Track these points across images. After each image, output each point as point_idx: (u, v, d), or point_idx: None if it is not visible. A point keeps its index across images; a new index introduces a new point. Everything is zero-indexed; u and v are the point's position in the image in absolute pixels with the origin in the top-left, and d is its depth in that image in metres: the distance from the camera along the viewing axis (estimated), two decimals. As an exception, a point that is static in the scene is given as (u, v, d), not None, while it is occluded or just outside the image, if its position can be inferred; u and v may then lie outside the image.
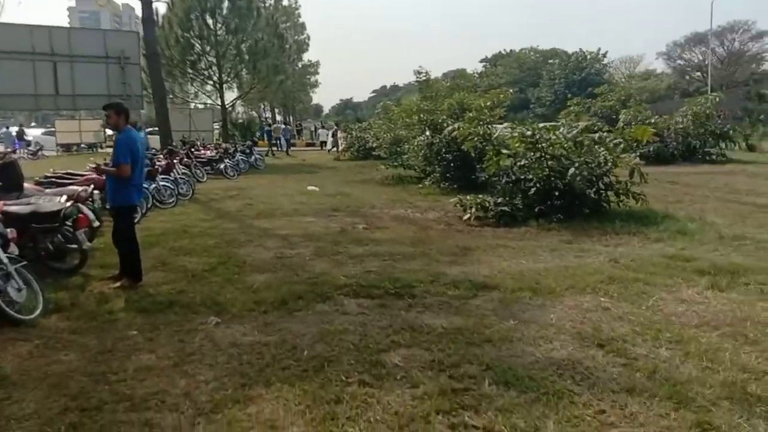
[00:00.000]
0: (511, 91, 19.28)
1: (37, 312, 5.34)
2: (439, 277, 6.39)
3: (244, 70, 33.79)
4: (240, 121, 48.38)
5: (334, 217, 11.19)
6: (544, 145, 10.20)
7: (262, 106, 62.54)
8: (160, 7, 30.17)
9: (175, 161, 15.16)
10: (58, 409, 3.61)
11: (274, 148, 34.86)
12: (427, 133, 16.14)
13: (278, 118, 64.73)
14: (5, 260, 5.39)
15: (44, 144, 35.89)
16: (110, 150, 6.90)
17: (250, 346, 4.56)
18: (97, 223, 8.34)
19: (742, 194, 13.00)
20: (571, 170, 9.58)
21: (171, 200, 12.75)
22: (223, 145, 24.69)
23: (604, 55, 63.93)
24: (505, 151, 10.81)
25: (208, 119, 37.45)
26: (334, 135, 34.52)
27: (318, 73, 68.26)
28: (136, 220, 8.77)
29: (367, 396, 3.67)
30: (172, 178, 13.60)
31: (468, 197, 10.77)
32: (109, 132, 33.79)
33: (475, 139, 12.70)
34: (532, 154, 10.38)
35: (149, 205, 11.38)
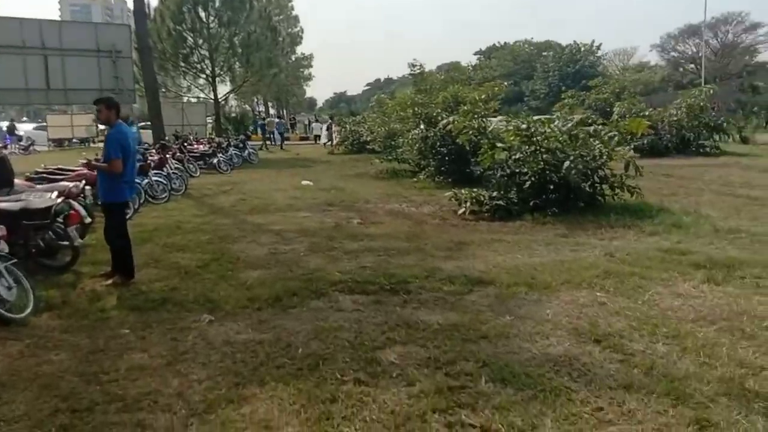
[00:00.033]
0: (505, 83, 19.16)
1: (28, 311, 5.26)
2: (434, 272, 6.35)
3: (237, 63, 33.57)
4: (233, 114, 48.10)
5: (328, 212, 11.13)
6: (539, 138, 10.15)
7: (256, 100, 62.19)
8: (152, 0, 29.97)
9: (167, 156, 15.03)
10: (48, 410, 3.56)
11: (268, 142, 34.71)
12: (422, 126, 16.07)
13: (272, 111, 64.41)
14: (-5, 258, 5.32)
15: (36, 139, 35.68)
16: (102, 145, 6.83)
17: (244, 344, 4.51)
18: (88, 220, 8.25)
19: (737, 187, 13.00)
20: (566, 163, 9.55)
21: (164, 195, 12.65)
22: (216, 140, 24.57)
23: (598, 48, 64.02)
24: (500, 144, 10.76)
25: (201, 113, 37.24)
26: (329, 128, 34.37)
27: (311, 66, 67.89)
28: (128, 216, 8.69)
29: (362, 395, 3.63)
30: (165, 173, 13.49)
31: (463, 191, 10.72)
32: (101, 127, 33.57)
33: (470, 132, 12.65)
34: (527, 147, 10.33)
35: (142, 201, 11.28)
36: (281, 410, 3.48)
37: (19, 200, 6.91)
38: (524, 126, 10.32)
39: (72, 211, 7.23)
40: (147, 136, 24.07)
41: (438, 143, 15.24)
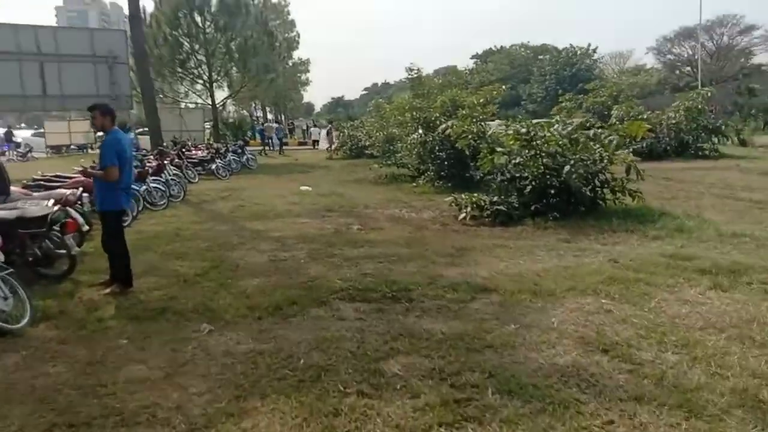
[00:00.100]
0: (504, 87, 19.12)
1: (24, 321, 5.18)
2: (436, 279, 6.26)
3: (234, 68, 33.56)
4: (231, 120, 48.03)
5: (328, 217, 11.05)
6: (539, 142, 10.09)
7: (254, 105, 62.13)
8: (148, 5, 29.92)
9: (165, 162, 14.96)
10: (45, 425, 3.47)
11: (267, 148, 34.64)
12: (420, 131, 16.02)
13: (270, 116, 64.40)
14: (-10, 268, 5.23)
15: (34, 145, 35.61)
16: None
17: (245, 354, 4.42)
18: (86, 227, 8.17)
19: (738, 190, 12.94)
20: (567, 168, 9.49)
21: (162, 202, 12.57)
22: (215, 145, 24.49)
23: (594, 51, 63.94)
24: (499, 148, 10.70)
25: (198, 119, 37.14)
26: (329, 133, 34.20)
27: (309, 71, 67.88)
28: (126, 224, 8.63)
29: (366, 408, 3.54)
30: (163, 180, 13.41)
31: (463, 196, 10.66)
32: (99, 133, 33.52)
33: (469, 136, 12.59)
34: (527, 151, 10.25)
35: (140, 208, 11.19)
36: (283, 424, 3.40)
37: (15, 208, 6.81)
38: (524, 130, 10.25)
39: (69, 219, 7.15)
40: (145, 142, 23.98)
41: (437, 148, 15.21)
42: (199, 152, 21.66)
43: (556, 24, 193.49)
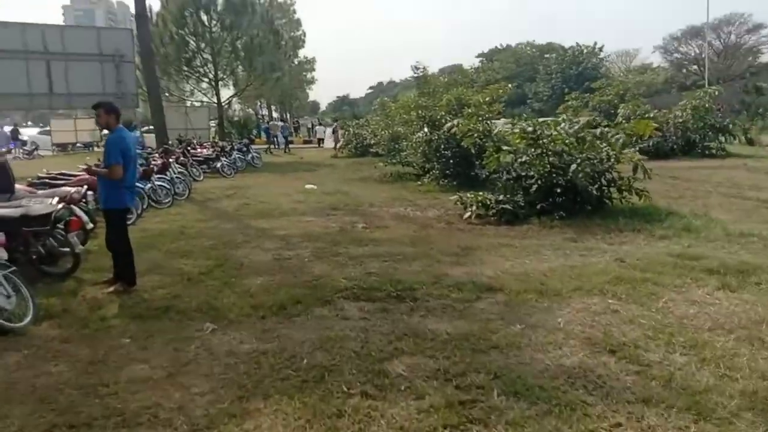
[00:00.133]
0: (510, 85, 19.04)
1: (27, 320, 5.16)
2: (441, 278, 6.21)
3: (239, 67, 33.56)
4: (236, 118, 48.09)
5: (332, 216, 11.01)
6: (545, 140, 10.02)
7: (259, 104, 62.20)
8: (154, 4, 29.98)
9: (171, 160, 14.95)
10: (45, 425, 3.44)
11: (272, 146, 34.64)
12: (426, 129, 15.96)
13: (275, 115, 64.43)
14: (-6, 266, 5.21)
15: (40, 143, 35.70)
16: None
17: (248, 354, 4.38)
18: (90, 225, 8.16)
19: (745, 189, 12.84)
20: (573, 166, 9.42)
21: (167, 200, 12.55)
22: (220, 144, 24.49)
23: (601, 49, 63.77)
24: (505, 147, 10.64)
25: (204, 117, 37.15)
26: (335, 131, 34.07)
27: (314, 70, 67.95)
28: (131, 222, 8.63)
29: (370, 409, 3.49)
30: (168, 178, 13.39)
31: (468, 195, 10.59)
32: (105, 131, 33.60)
33: (475, 135, 12.53)
34: (533, 150, 10.19)
35: (145, 206, 11.19)
36: (286, 426, 3.36)
37: (19, 206, 6.79)
38: (530, 129, 10.19)
39: (73, 217, 7.14)
40: (150, 140, 24.01)
41: (442, 146, 15.14)
42: (205, 150, 21.65)
43: (562, 23, 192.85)
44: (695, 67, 59.60)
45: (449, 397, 3.57)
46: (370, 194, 14.25)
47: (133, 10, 21.56)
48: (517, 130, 10.47)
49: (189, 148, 20.46)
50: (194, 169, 17.94)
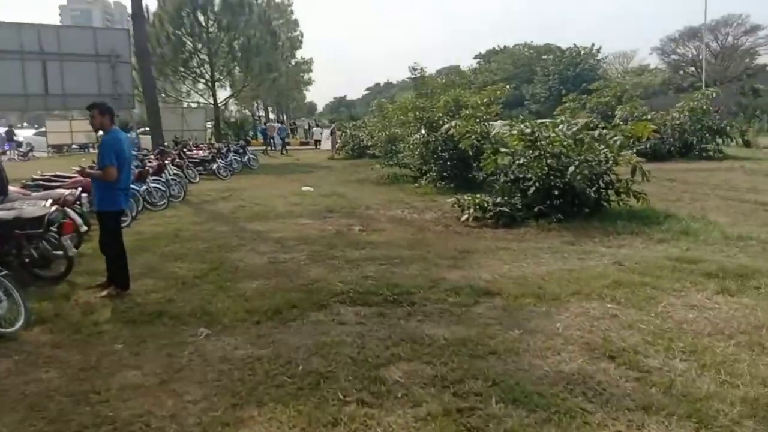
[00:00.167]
0: (507, 86, 19.00)
1: (18, 324, 5.07)
2: (438, 282, 6.15)
3: (236, 67, 33.51)
4: (233, 120, 47.99)
5: (329, 218, 10.95)
6: (543, 142, 9.97)
7: (256, 105, 62.11)
8: (151, 4, 29.92)
9: (166, 162, 14.88)
10: (34, 434, 3.37)
11: (269, 148, 34.56)
12: (423, 131, 15.90)
13: (272, 116, 64.32)
14: (-16, 271, 5.14)
15: (35, 145, 35.54)
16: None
17: (242, 360, 4.32)
18: (84, 228, 8.07)
19: (743, 191, 12.82)
20: (571, 168, 9.37)
21: (162, 202, 12.47)
22: (216, 145, 24.42)
23: (598, 51, 63.73)
24: (503, 149, 10.59)
25: (200, 118, 37.10)
26: (333, 133, 33.98)
27: (311, 71, 67.81)
28: (125, 224, 8.55)
29: (366, 417, 3.43)
30: (164, 180, 13.32)
31: (466, 197, 10.53)
32: (100, 132, 33.45)
33: (473, 137, 12.48)
34: (530, 152, 10.13)
35: (140, 208, 11.10)
36: (280, 434, 3.30)
37: (12, 209, 6.71)
38: (528, 130, 10.13)
39: (66, 220, 7.06)
40: (146, 141, 23.90)
41: (440, 148, 15.09)
42: (201, 152, 21.59)
43: (559, 24, 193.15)
44: (692, 68, 59.70)
45: (447, 405, 3.51)
46: (366, 196, 14.19)
47: (129, 10, 21.43)
48: (514, 132, 10.41)
49: (185, 149, 20.38)
50: (190, 171, 17.88)
